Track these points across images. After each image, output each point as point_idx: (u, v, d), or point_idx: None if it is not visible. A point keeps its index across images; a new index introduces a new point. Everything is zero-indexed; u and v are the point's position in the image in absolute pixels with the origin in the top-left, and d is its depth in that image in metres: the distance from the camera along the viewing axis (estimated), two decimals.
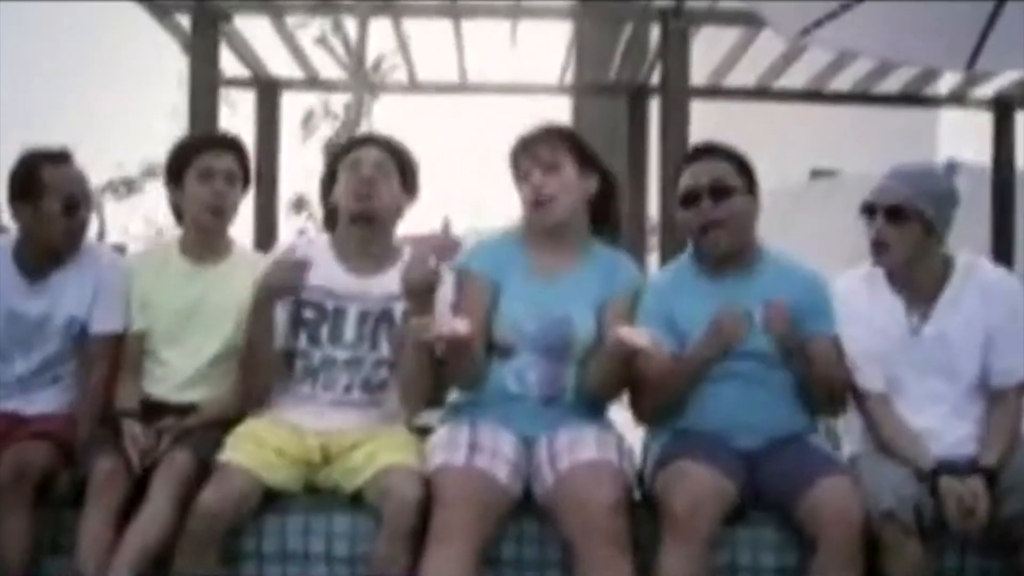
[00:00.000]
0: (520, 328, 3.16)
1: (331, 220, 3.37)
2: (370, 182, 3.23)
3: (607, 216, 3.33)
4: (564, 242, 3.25)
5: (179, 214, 3.47)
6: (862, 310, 3.19)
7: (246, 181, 3.47)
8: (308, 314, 3.24)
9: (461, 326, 2.95)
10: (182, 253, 3.44)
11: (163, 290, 3.39)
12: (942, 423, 3.13)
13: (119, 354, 3.36)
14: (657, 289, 3.29)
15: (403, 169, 3.32)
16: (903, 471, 2.99)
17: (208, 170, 3.36)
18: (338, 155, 3.37)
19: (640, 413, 3.28)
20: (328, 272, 3.24)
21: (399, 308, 3.22)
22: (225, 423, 3.22)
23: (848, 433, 3.35)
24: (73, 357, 3.38)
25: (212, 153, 3.39)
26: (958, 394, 3.16)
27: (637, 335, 2.93)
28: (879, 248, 3.15)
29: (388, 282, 3.22)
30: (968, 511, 2.91)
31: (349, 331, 3.23)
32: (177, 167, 3.41)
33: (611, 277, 3.26)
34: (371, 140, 3.39)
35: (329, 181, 3.35)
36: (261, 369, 3.20)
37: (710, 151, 3.24)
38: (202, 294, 3.37)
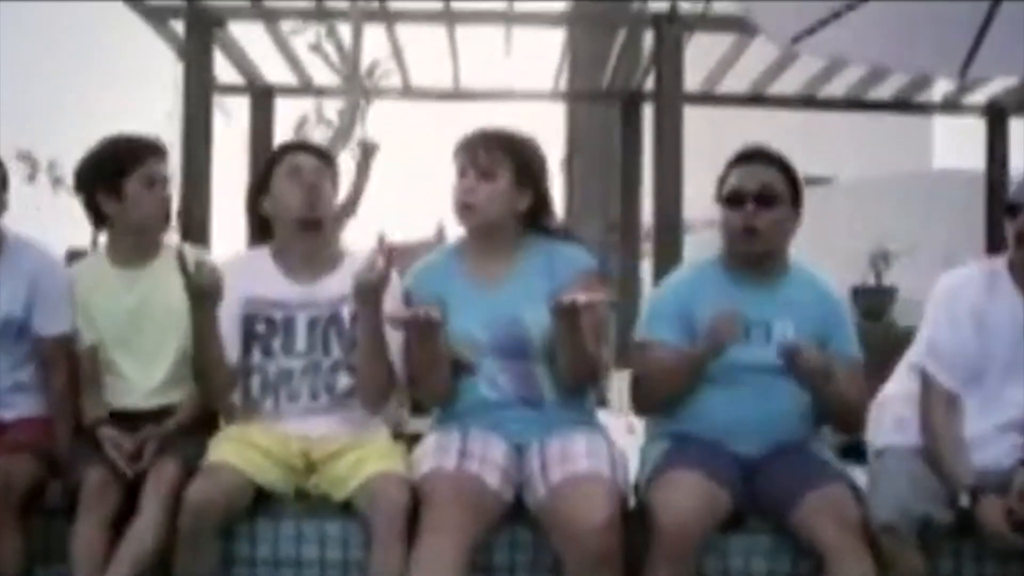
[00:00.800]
0: (473, 339, 3.14)
1: (263, 229, 3.34)
2: (313, 188, 3.24)
3: (541, 227, 3.29)
4: (498, 244, 3.23)
5: (100, 220, 3.40)
6: (977, 306, 3.15)
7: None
8: (259, 328, 3.24)
9: (434, 312, 2.97)
10: (113, 262, 3.41)
11: (103, 300, 3.36)
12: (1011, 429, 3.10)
13: (75, 358, 3.33)
14: (676, 288, 3.29)
15: (333, 171, 3.37)
16: (925, 481, 2.97)
17: (151, 178, 3.35)
18: (267, 164, 3.35)
19: (638, 404, 3.28)
20: (272, 283, 3.24)
21: (347, 310, 3.22)
22: (208, 427, 3.23)
23: (877, 425, 3.30)
24: (30, 362, 3.34)
25: (154, 160, 3.37)
26: None
27: (573, 295, 2.92)
28: (1021, 241, 3.10)
29: (333, 285, 3.22)
30: (1018, 523, 2.86)
31: (300, 339, 3.23)
32: (115, 172, 3.34)
33: (552, 267, 3.21)
34: (302, 147, 3.41)
35: (256, 192, 3.33)
36: (212, 372, 3.18)
37: (762, 156, 3.24)
38: (144, 297, 3.34)
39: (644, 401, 3.27)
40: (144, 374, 3.35)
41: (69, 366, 3.33)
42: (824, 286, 3.29)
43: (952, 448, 3.05)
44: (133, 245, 3.41)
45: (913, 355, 3.26)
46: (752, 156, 3.25)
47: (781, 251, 3.25)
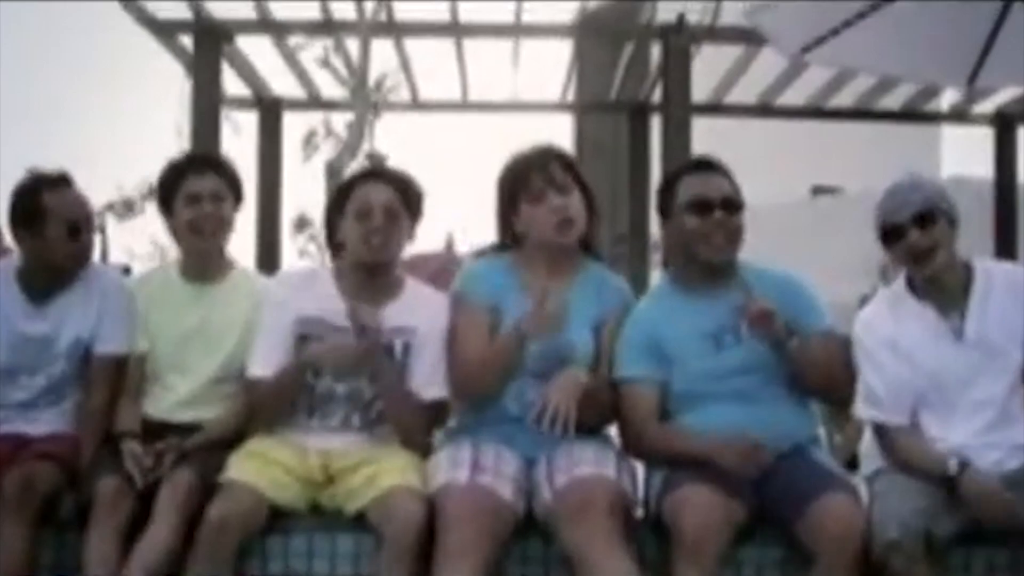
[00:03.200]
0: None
1: (336, 249, 3.36)
2: (381, 232, 3.22)
3: (588, 236, 3.32)
4: (560, 262, 3.25)
5: (178, 239, 3.47)
6: (888, 335, 3.16)
7: (238, 197, 3.46)
8: (313, 347, 3.25)
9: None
10: (182, 276, 3.45)
11: (164, 313, 3.39)
12: (992, 432, 3.09)
13: (121, 376, 3.37)
14: (639, 322, 3.27)
15: (409, 203, 3.31)
16: (917, 498, 2.95)
17: (194, 194, 3.36)
18: (345, 189, 3.33)
19: (630, 450, 3.27)
20: (331, 305, 3.23)
21: (399, 343, 3.23)
22: (227, 443, 3.23)
23: (868, 457, 3.32)
24: (77, 379, 3.38)
25: (196, 176, 3.38)
26: (1004, 395, 3.11)
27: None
28: (921, 256, 3.11)
29: (391, 315, 3.21)
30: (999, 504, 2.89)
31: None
32: (166, 194, 3.42)
33: (602, 293, 3.27)
34: (379, 175, 3.35)
35: (335, 211, 3.32)
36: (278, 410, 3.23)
37: (713, 166, 3.26)
38: (204, 316, 3.37)
39: (632, 450, 3.26)
40: (179, 387, 3.36)
41: (112, 387, 3.35)
42: (768, 271, 3.29)
43: (922, 450, 3.08)
44: (196, 263, 3.43)
45: (857, 409, 3.24)
46: (704, 166, 3.27)
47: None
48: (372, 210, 3.21)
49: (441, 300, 3.31)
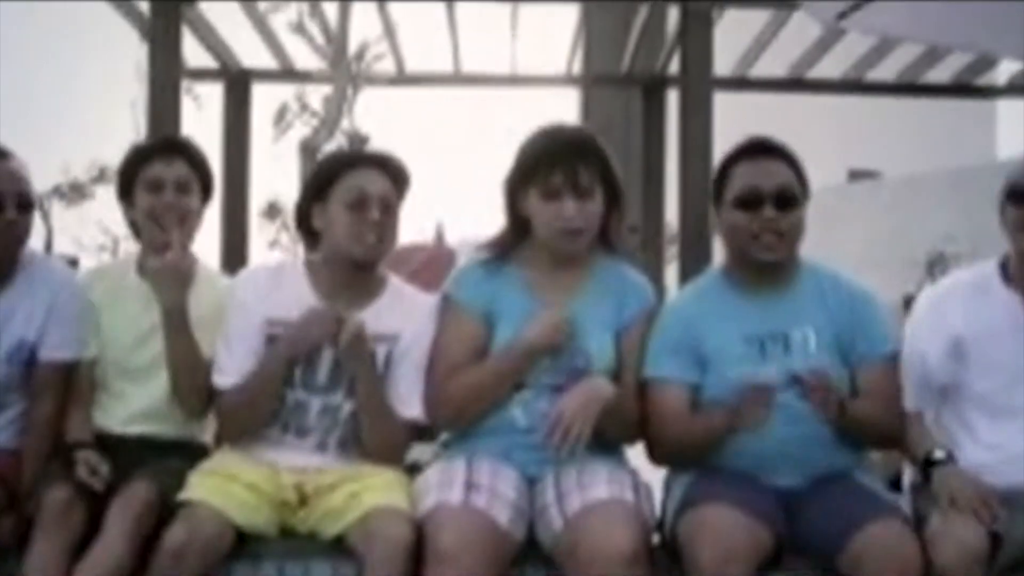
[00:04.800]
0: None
1: (311, 239, 3.32)
2: (379, 226, 3.20)
3: (605, 234, 3.30)
4: (569, 259, 3.25)
5: (137, 231, 3.46)
6: (953, 325, 3.20)
7: (206, 190, 3.46)
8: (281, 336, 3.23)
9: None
10: (140, 274, 3.43)
11: (119, 315, 3.39)
12: None
13: (70, 384, 3.35)
14: (682, 316, 3.27)
15: (401, 193, 3.30)
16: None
17: (156, 181, 3.35)
18: (328, 172, 3.27)
19: (653, 457, 3.29)
20: (302, 305, 3.21)
21: (382, 351, 3.22)
22: (191, 455, 3.23)
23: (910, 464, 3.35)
24: (20, 387, 3.36)
25: (162, 161, 3.37)
26: None
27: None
28: None
29: (370, 319, 3.19)
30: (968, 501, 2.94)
31: (322, 373, 3.22)
32: (126, 180, 3.41)
33: (623, 297, 3.26)
34: (374, 161, 3.30)
35: (312, 196, 3.27)
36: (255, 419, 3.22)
37: (772, 151, 3.24)
38: (159, 319, 3.35)
39: (656, 451, 3.27)
40: (131, 397, 3.36)
41: (61, 396, 3.33)
42: (840, 281, 3.29)
43: (920, 435, 3.21)
44: (158, 255, 3.39)
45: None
46: (762, 150, 3.24)
47: (796, 255, 3.26)
48: (368, 201, 3.18)
49: (427, 303, 3.30)
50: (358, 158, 3.38)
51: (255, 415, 3.20)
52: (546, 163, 3.14)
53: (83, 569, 2.92)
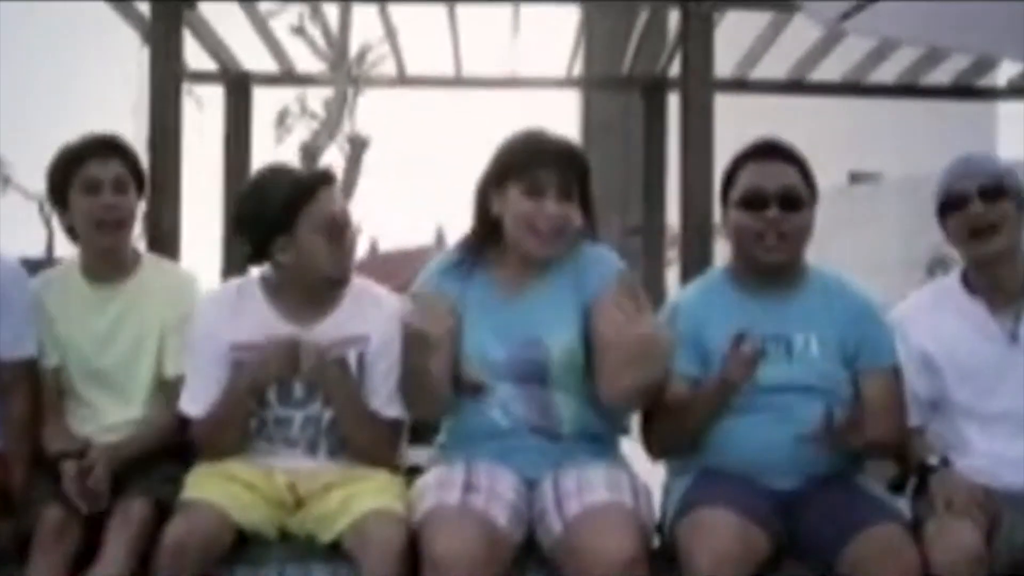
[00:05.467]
0: (487, 358, 3.14)
1: (259, 254, 3.21)
2: (353, 247, 3.26)
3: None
4: (536, 263, 3.22)
5: (75, 235, 3.39)
6: (921, 340, 3.22)
7: (140, 186, 3.41)
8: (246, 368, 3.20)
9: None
10: (84, 276, 3.39)
11: (73, 322, 3.34)
12: None
13: (38, 385, 3.32)
14: (684, 313, 3.27)
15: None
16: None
17: (93, 182, 3.30)
18: (295, 196, 3.11)
19: (651, 446, 3.29)
20: (264, 326, 3.19)
21: (352, 354, 3.20)
22: (181, 460, 3.22)
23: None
24: None
25: (96, 161, 3.32)
26: None
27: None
28: (982, 232, 3.13)
29: (334, 326, 3.19)
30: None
31: (298, 388, 3.21)
32: (60, 183, 3.34)
33: (580, 274, 3.21)
34: (331, 178, 3.25)
35: (284, 221, 3.11)
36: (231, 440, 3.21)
37: (780, 152, 3.25)
38: (115, 320, 3.33)
39: (656, 442, 3.27)
40: (106, 405, 3.34)
41: (32, 393, 3.31)
42: (848, 289, 3.29)
43: (919, 444, 3.22)
44: (98, 260, 3.38)
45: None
46: (769, 152, 3.25)
47: (801, 258, 3.26)
48: (345, 228, 3.18)
49: (395, 302, 3.27)
50: (319, 177, 3.24)
51: (228, 440, 3.19)
52: (536, 160, 3.13)
53: None
